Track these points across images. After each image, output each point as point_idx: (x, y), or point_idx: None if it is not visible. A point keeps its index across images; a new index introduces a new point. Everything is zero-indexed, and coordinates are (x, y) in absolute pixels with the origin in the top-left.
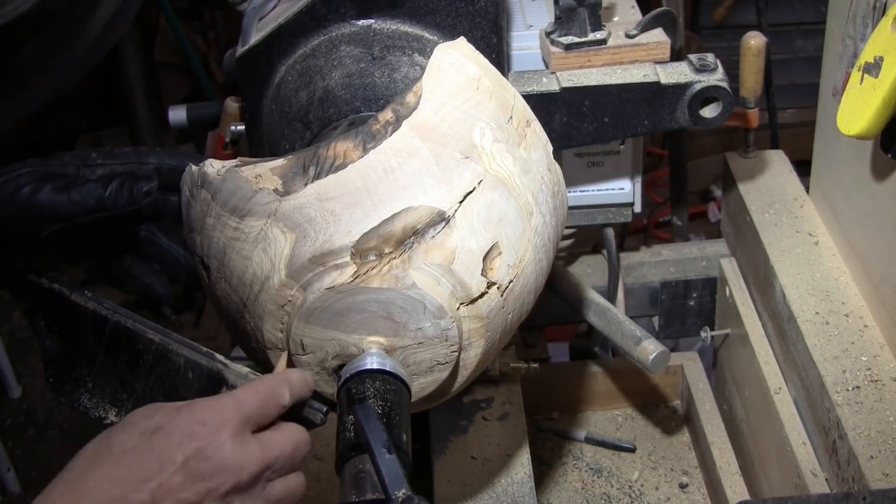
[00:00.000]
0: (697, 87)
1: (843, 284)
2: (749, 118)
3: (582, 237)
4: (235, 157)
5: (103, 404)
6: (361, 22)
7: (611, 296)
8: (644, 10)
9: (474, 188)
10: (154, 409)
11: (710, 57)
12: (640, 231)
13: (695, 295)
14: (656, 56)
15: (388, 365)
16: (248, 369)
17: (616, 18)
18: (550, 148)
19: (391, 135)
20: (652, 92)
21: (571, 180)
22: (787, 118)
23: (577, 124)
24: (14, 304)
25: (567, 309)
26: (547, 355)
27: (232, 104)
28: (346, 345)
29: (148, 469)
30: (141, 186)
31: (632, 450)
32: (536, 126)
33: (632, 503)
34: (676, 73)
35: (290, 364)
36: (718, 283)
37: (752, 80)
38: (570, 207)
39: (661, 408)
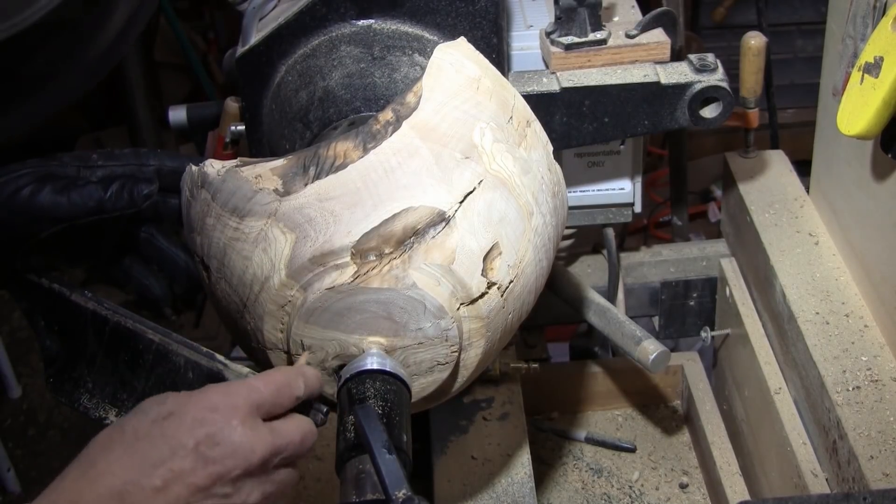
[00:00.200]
0: (697, 87)
1: (844, 284)
2: (749, 118)
3: (582, 237)
4: (235, 157)
5: (103, 404)
6: (361, 22)
7: (611, 296)
8: (644, 10)
9: (474, 188)
10: (165, 397)
11: (711, 57)
12: (640, 231)
13: (695, 295)
14: (656, 56)
15: (389, 365)
16: (248, 369)
17: (616, 18)
18: (550, 148)
19: (391, 135)
20: (652, 92)
21: (571, 180)
22: (787, 118)
23: (577, 124)
24: (14, 304)
25: (567, 309)
26: (547, 355)
27: (232, 104)
28: (347, 345)
29: (159, 454)
30: (141, 188)
31: (632, 450)
32: (536, 126)
33: (632, 503)
34: (676, 73)
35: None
36: (718, 283)
37: (752, 80)
38: (571, 207)
39: (661, 408)
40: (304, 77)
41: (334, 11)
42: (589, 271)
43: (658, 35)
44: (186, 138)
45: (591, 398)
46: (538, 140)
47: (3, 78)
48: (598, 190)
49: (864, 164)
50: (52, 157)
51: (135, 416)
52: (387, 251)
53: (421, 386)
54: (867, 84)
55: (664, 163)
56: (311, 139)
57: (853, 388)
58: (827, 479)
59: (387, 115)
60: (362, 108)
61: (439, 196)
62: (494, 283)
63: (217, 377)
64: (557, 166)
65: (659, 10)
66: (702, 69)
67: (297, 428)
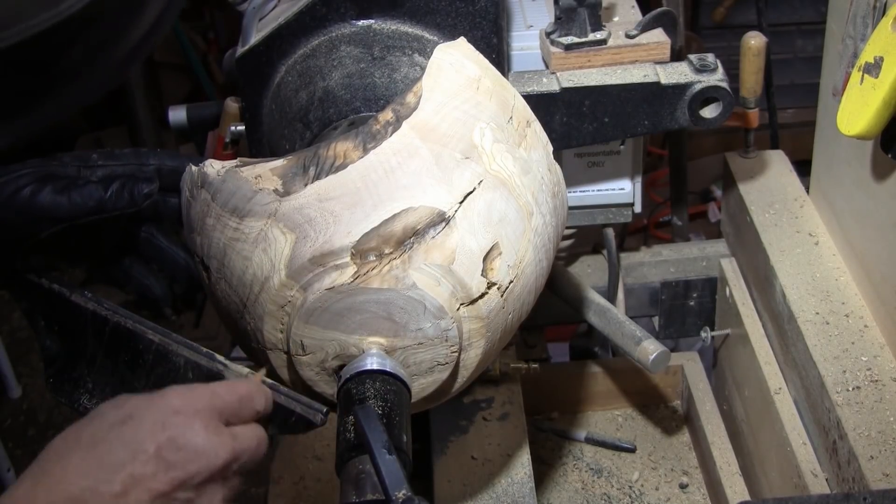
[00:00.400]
0: (697, 87)
1: (844, 284)
2: (749, 118)
3: (582, 237)
4: (235, 158)
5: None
6: (361, 22)
7: (611, 296)
8: (644, 10)
9: (474, 188)
10: (124, 400)
11: (710, 57)
12: (640, 231)
13: (695, 295)
14: (656, 56)
15: (389, 365)
16: (247, 370)
17: (616, 18)
18: (550, 148)
19: (391, 135)
20: (652, 92)
21: (571, 180)
22: (787, 118)
23: (577, 124)
24: (14, 304)
25: (567, 309)
26: (547, 355)
27: (232, 104)
28: (347, 345)
29: (118, 458)
30: (141, 188)
31: (632, 450)
32: (536, 126)
33: (632, 503)
34: (676, 74)
35: (290, 365)
36: (718, 283)
37: (752, 80)
38: (571, 207)
39: (661, 408)
40: (304, 77)
41: (334, 11)
42: (589, 271)
43: (658, 35)
44: (186, 138)
45: (591, 398)
46: (538, 140)
47: (40, 70)
48: (598, 190)
49: (864, 164)
50: (52, 157)
51: (92, 420)
52: (387, 251)
53: (421, 386)
54: (867, 84)
55: (664, 163)
56: (311, 139)
57: (853, 389)
58: (827, 480)
59: (387, 115)
60: (362, 109)
61: (439, 196)
62: (494, 284)
63: (217, 377)
64: (557, 166)
65: (659, 10)
66: (702, 69)
67: (253, 434)
